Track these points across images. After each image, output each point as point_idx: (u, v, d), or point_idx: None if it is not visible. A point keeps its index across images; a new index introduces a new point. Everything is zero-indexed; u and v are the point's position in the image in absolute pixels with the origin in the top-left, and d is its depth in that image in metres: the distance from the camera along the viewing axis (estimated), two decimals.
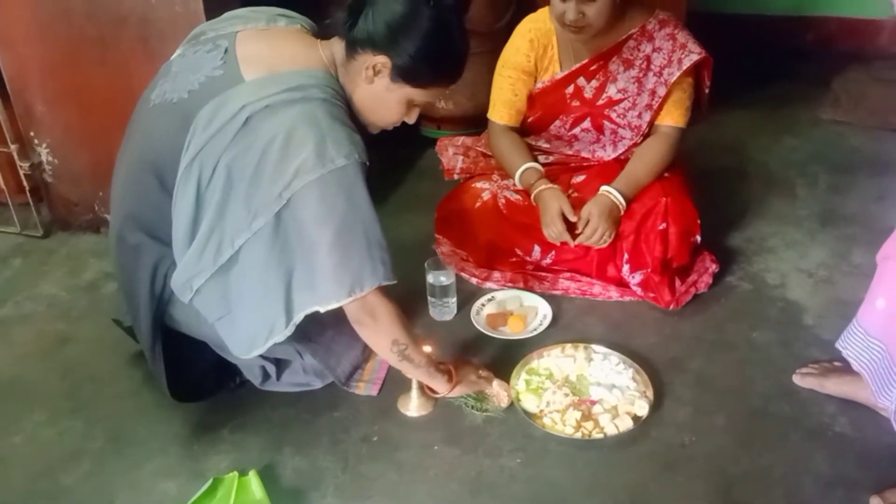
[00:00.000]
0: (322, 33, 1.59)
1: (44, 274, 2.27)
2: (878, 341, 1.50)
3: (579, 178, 2.11)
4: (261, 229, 1.42)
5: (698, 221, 2.00)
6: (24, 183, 2.39)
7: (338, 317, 1.51)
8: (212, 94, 1.44)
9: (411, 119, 1.60)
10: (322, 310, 1.46)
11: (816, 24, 3.45)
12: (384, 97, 1.51)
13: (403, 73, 1.47)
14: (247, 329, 1.51)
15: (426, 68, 1.48)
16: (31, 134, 2.31)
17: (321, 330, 1.61)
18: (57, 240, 2.44)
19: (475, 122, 2.66)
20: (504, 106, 2.11)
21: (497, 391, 1.70)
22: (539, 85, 2.08)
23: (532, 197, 2.03)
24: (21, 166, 2.36)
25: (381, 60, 1.45)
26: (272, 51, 1.50)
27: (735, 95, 2.97)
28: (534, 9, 2.12)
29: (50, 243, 2.42)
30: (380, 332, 1.53)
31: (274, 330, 1.48)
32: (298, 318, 1.47)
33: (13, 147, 2.33)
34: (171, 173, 1.50)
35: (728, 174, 2.62)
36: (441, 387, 1.66)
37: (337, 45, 1.51)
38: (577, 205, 1.99)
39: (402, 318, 1.54)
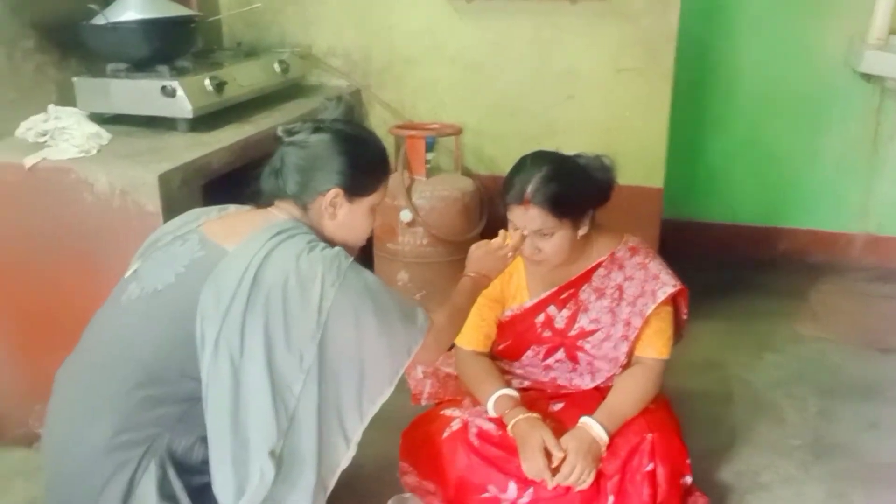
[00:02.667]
0: (267, 203, 1.63)
1: None
2: None
3: (557, 406, 1.95)
4: (311, 366, 1.43)
5: (688, 461, 1.83)
6: None
7: None
8: (201, 271, 1.44)
9: (376, 221, 1.70)
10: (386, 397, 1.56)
11: (788, 235, 3.48)
12: (352, 219, 1.61)
13: (357, 190, 1.58)
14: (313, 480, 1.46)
15: (369, 176, 1.61)
16: None
17: None
18: None
19: None
20: (472, 331, 1.99)
21: None
22: (508, 313, 1.98)
23: (509, 427, 1.86)
24: None
25: (333, 193, 1.56)
26: (240, 224, 1.56)
27: (710, 306, 2.90)
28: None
29: None
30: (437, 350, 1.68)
31: (343, 460, 1.52)
32: (367, 420, 1.54)
33: None
34: (155, 366, 1.44)
35: (711, 396, 2.49)
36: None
37: (285, 204, 1.59)
38: (555, 435, 1.82)
39: (438, 336, 1.63)
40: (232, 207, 1.68)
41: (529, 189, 1.76)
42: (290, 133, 1.59)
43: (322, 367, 1.45)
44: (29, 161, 1.93)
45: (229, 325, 1.40)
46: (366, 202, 1.61)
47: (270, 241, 1.47)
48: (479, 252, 1.83)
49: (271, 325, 1.41)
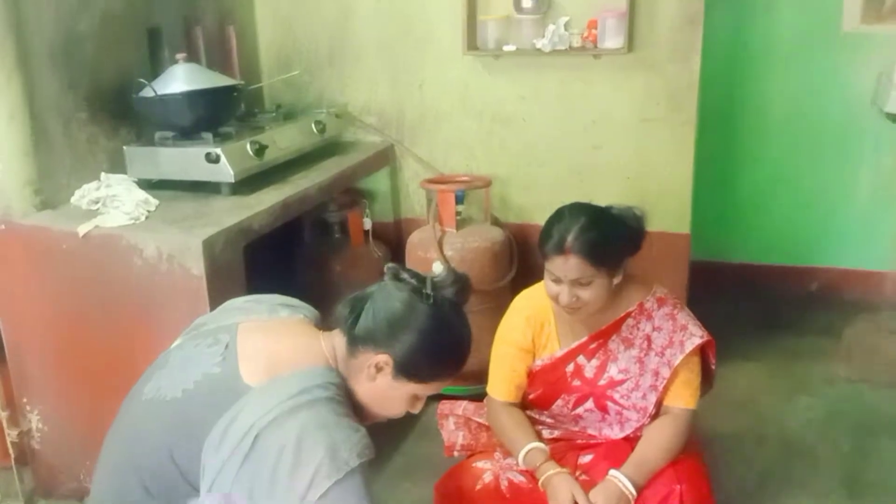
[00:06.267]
0: (325, 324, 1.57)
1: None
2: None
3: (587, 458, 2.00)
4: None
5: None
6: (10, 450, 2.31)
7: None
8: (208, 395, 1.39)
9: (416, 410, 1.55)
10: None
11: (820, 273, 3.49)
12: (388, 394, 1.48)
13: (406, 371, 1.45)
14: None
15: (428, 366, 1.46)
16: (24, 400, 2.26)
17: None
18: None
19: (478, 378, 2.58)
20: (503, 382, 2.06)
21: None
22: (538, 363, 2.04)
23: (540, 482, 1.91)
24: (9, 433, 2.29)
25: (383, 359, 1.44)
26: (273, 347, 1.46)
27: (742, 347, 2.93)
28: (536, 267, 2.10)
29: None
30: None
31: None
32: None
33: (3, 414, 2.27)
34: (157, 478, 1.41)
35: (744, 437, 2.51)
36: None
37: (338, 338, 1.49)
38: (585, 488, 1.87)
39: None
40: (284, 312, 1.59)
41: (569, 239, 1.82)
42: (396, 276, 1.49)
43: None
44: (82, 229, 2.06)
45: (222, 479, 1.33)
46: (410, 388, 1.47)
47: (286, 403, 1.34)
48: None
49: (256, 492, 1.30)
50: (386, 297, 1.45)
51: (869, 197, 3.39)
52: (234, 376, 1.40)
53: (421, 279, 1.48)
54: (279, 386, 1.37)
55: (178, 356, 1.52)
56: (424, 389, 1.50)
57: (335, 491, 1.29)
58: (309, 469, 1.29)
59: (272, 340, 1.48)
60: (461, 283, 1.51)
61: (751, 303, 3.37)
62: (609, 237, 1.86)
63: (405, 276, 1.48)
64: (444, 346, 1.46)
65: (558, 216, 1.91)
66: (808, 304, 3.41)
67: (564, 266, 1.84)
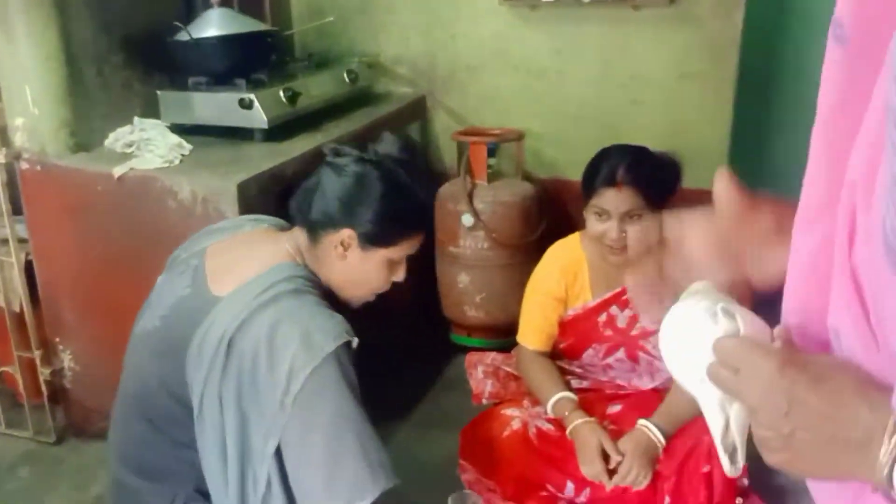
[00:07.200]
0: (288, 226, 1.58)
1: (50, 487, 2.19)
2: None
3: (615, 409, 2.00)
4: (272, 458, 1.30)
5: (745, 464, 1.85)
6: (43, 388, 2.35)
7: None
8: (182, 315, 1.41)
9: (400, 276, 1.55)
10: None
11: None
12: (362, 267, 1.49)
13: (372, 239, 1.46)
14: None
15: (391, 226, 1.47)
16: (57, 339, 2.30)
17: None
18: (68, 447, 2.36)
19: (506, 332, 2.60)
20: (534, 331, 2.05)
21: None
22: (570, 312, 2.03)
23: (568, 431, 1.92)
24: (42, 372, 2.32)
25: (347, 234, 1.45)
26: (238, 258, 1.47)
27: (772, 304, 2.89)
28: (566, 223, 2.10)
29: (61, 451, 2.35)
30: None
31: None
32: None
33: (37, 353, 2.31)
34: (155, 410, 1.44)
35: None
36: None
37: (299, 233, 1.50)
38: (612, 437, 1.87)
39: None
40: (248, 226, 1.60)
41: (621, 171, 1.85)
42: (337, 154, 1.49)
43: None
44: (118, 171, 2.06)
45: (209, 392, 1.34)
46: (381, 254, 1.48)
47: (252, 304, 1.34)
48: None
49: (244, 399, 1.32)
50: (332, 175, 1.46)
51: None
52: (203, 292, 1.41)
53: (362, 148, 1.50)
54: (244, 290, 1.38)
55: (157, 291, 1.55)
56: (397, 251, 1.50)
57: (314, 378, 1.28)
58: (285, 363, 1.29)
59: (237, 253, 1.50)
60: (402, 141, 1.54)
61: None
62: (658, 171, 1.90)
63: (343, 149, 1.50)
64: (400, 206, 1.47)
65: (604, 154, 1.95)
66: None
67: (616, 198, 1.84)
